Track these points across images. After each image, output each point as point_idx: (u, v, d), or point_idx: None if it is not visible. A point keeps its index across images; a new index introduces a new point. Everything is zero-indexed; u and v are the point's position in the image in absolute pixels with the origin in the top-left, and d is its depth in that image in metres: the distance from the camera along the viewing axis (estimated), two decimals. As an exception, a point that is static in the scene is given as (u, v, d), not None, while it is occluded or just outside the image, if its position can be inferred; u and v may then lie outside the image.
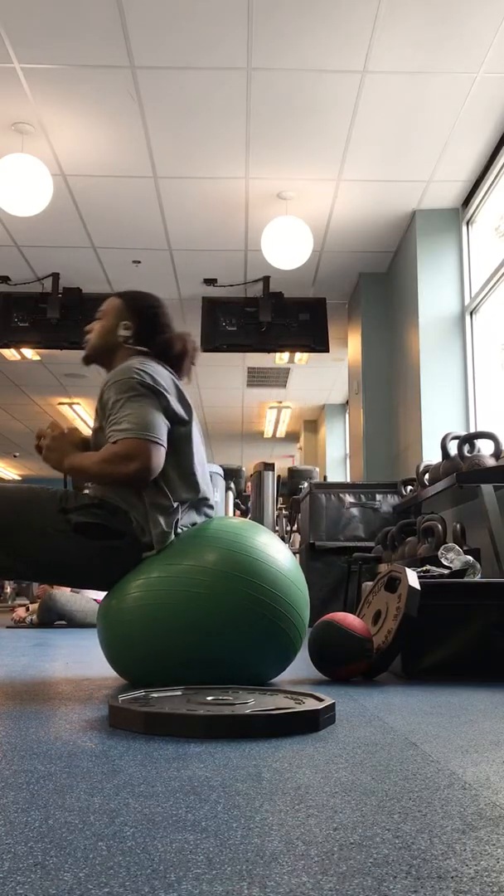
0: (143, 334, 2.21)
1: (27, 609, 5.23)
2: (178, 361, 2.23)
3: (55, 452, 2.08)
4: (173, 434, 2.04)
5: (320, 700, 1.44)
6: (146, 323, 2.22)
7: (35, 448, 2.15)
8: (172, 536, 1.99)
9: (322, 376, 8.64)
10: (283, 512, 7.88)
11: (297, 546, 6.46)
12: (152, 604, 1.88)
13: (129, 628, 1.91)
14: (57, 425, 2.15)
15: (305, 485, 5.51)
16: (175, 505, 2.02)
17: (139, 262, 5.92)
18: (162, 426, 1.99)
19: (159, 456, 1.96)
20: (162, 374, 2.08)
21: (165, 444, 1.99)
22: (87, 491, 2.13)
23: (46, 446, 2.09)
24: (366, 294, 6.12)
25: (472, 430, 4.45)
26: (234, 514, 7.57)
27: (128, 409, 1.97)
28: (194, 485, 2.09)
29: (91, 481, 2.08)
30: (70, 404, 9.99)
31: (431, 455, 4.63)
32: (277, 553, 2.01)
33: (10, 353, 7.25)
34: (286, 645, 1.97)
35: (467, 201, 4.96)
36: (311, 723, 1.34)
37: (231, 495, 7.13)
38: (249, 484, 7.19)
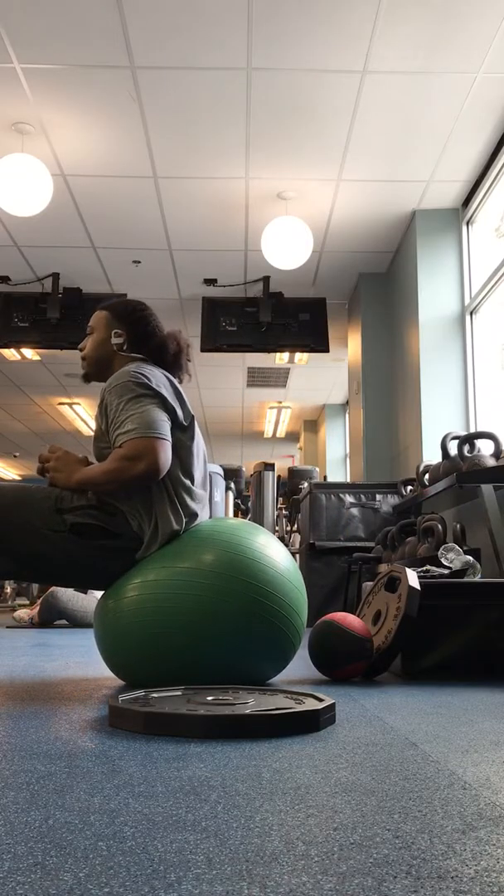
0: (135, 340, 2.22)
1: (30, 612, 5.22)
2: (174, 361, 2.24)
3: (61, 472, 2.07)
4: (173, 439, 2.04)
5: (320, 700, 1.44)
6: (136, 328, 2.23)
7: (38, 472, 2.15)
8: (158, 542, 1.99)
9: (322, 376, 8.64)
10: (283, 512, 7.88)
11: (297, 546, 6.46)
12: (150, 605, 1.88)
13: (127, 629, 1.91)
14: (56, 447, 2.15)
15: (305, 485, 5.51)
16: (171, 510, 2.02)
17: (139, 262, 5.92)
18: (165, 423, 1.99)
19: (166, 452, 1.96)
20: (159, 378, 2.08)
21: (170, 440, 1.99)
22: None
23: (52, 468, 2.09)
24: (366, 294, 6.12)
25: (472, 430, 4.45)
26: (236, 515, 7.57)
27: (129, 410, 1.97)
28: (188, 493, 2.08)
29: (101, 490, 2.02)
30: (70, 404, 9.99)
31: (431, 455, 4.63)
32: (275, 553, 2.01)
33: (10, 353, 7.25)
34: (285, 645, 1.97)
35: (467, 201, 4.96)
36: (311, 723, 1.34)
37: (231, 495, 7.13)
38: (250, 484, 7.18)
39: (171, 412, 2.04)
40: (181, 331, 2.32)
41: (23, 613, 5.18)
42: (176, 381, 2.17)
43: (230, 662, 1.88)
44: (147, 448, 1.93)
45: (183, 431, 2.09)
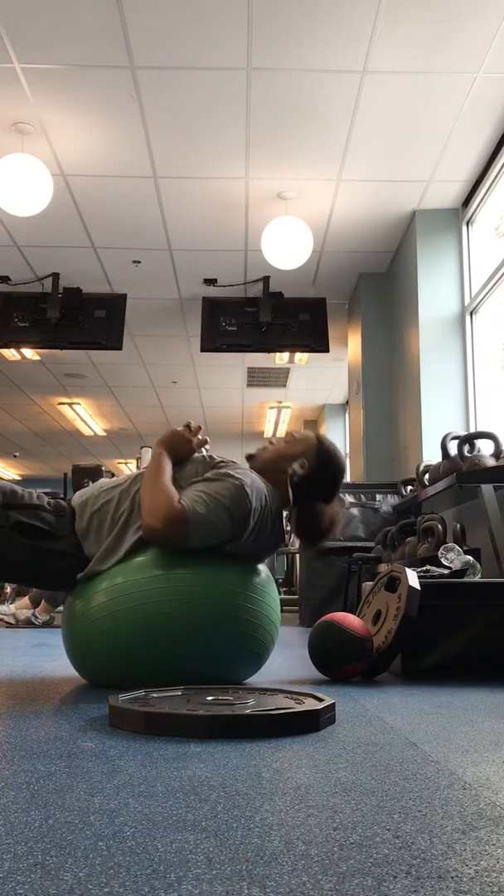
0: (309, 484, 2.13)
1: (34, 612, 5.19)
2: (315, 535, 2.22)
3: (169, 445, 2.08)
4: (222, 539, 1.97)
5: (320, 700, 1.44)
6: (319, 476, 2.15)
7: (185, 426, 2.16)
8: (110, 564, 1.95)
9: (322, 376, 8.64)
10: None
11: (298, 546, 6.46)
12: (119, 608, 1.86)
13: (95, 633, 1.88)
14: (202, 441, 2.14)
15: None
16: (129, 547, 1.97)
17: (139, 262, 5.92)
18: (207, 539, 1.92)
19: (180, 546, 1.90)
20: (265, 526, 2.01)
21: (193, 547, 1.91)
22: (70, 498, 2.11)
23: (176, 432, 2.11)
24: (366, 294, 6.12)
25: (472, 430, 4.45)
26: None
27: (213, 502, 1.90)
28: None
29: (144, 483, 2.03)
30: (70, 404, 9.99)
31: (431, 455, 4.63)
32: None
33: (10, 353, 7.25)
34: (257, 648, 1.97)
35: (467, 201, 4.96)
36: (311, 723, 1.34)
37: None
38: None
39: (227, 533, 1.94)
40: (342, 514, 2.25)
41: (24, 611, 5.16)
42: (277, 527, 2.10)
43: (202, 666, 1.88)
44: (176, 528, 1.87)
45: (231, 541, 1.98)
